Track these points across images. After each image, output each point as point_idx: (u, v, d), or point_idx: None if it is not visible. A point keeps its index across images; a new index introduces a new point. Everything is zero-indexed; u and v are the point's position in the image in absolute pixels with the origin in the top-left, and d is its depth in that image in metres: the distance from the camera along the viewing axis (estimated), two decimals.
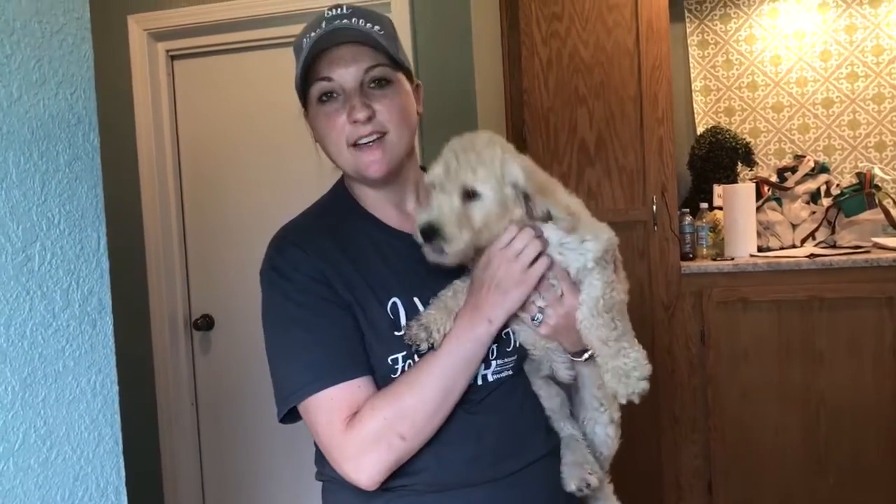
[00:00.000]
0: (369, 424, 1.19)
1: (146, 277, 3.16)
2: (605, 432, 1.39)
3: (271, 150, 3.08)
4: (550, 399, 1.39)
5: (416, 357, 1.25)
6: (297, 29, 3.20)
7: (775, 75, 3.79)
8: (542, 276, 1.25)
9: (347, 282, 1.26)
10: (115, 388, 1.06)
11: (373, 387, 1.24)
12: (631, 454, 3.23)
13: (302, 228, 1.34)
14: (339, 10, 1.29)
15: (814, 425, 3.12)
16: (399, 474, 1.24)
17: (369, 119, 1.27)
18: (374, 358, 1.25)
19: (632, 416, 3.59)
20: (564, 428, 1.37)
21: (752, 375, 3.17)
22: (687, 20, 3.88)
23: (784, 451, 3.15)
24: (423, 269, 1.26)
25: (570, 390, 1.42)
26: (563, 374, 1.37)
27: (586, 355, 1.31)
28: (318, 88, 1.29)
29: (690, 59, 3.88)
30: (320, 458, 1.31)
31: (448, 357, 1.22)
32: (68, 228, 1.01)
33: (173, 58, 3.19)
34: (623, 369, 1.18)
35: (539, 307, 1.27)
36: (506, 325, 1.28)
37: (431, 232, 1.17)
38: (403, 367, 1.26)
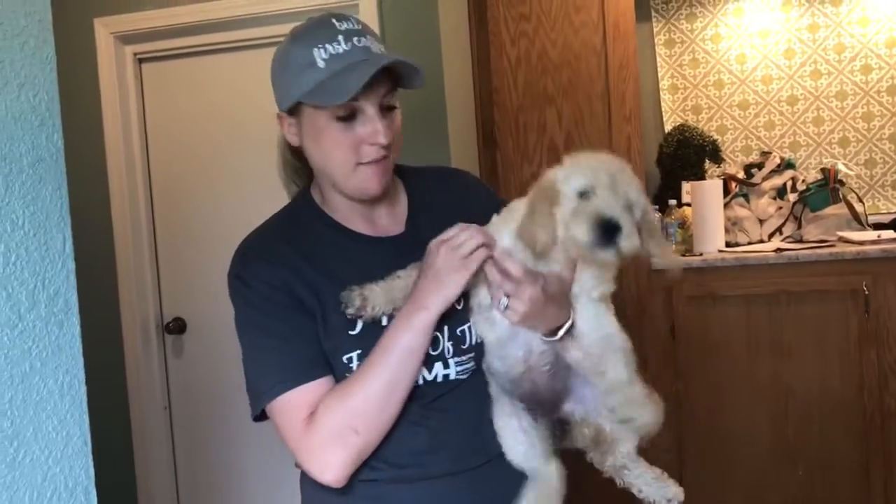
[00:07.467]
0: (324, 422, 1.24)
1: (116, 281, 3.14)
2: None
3: (240, 153, 3.07)
4: (514, 438, 1.36)
5: None
6: (264, 31, 3.18)
7: (741, 73, 3.85)
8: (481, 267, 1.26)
9: (310, 285, 1.30)
10: (83, 388, 1.06)
11: (332, 386, 1.28)
12: None
13: (263, 237, 1.39)
14: (350, 23, 1.29)
15: (782, 417, 3.16)
16: (366, 467, 1.28)
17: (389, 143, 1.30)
18: (331, 357, 1.29)
19: None
20: (532, 462, 1.35)
21: (722, 369, 3.21)
22: (654, 19, 3.92)
23: (754, 444, 3.19)
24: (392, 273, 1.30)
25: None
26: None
27: (562, 331, 1.30)
28: (343, 107, 1.27)
29: (657, 58, 3.92)
30: None
31: (388, 348, 1.25)
32: (33, 230, 1.00)
33: (141, 61, 3.18)
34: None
35: (506, 293, 1.26)
36: (463, 322, 1.32)
37: (613, 227, 1.16)
38: (359, 365, 1.29)
